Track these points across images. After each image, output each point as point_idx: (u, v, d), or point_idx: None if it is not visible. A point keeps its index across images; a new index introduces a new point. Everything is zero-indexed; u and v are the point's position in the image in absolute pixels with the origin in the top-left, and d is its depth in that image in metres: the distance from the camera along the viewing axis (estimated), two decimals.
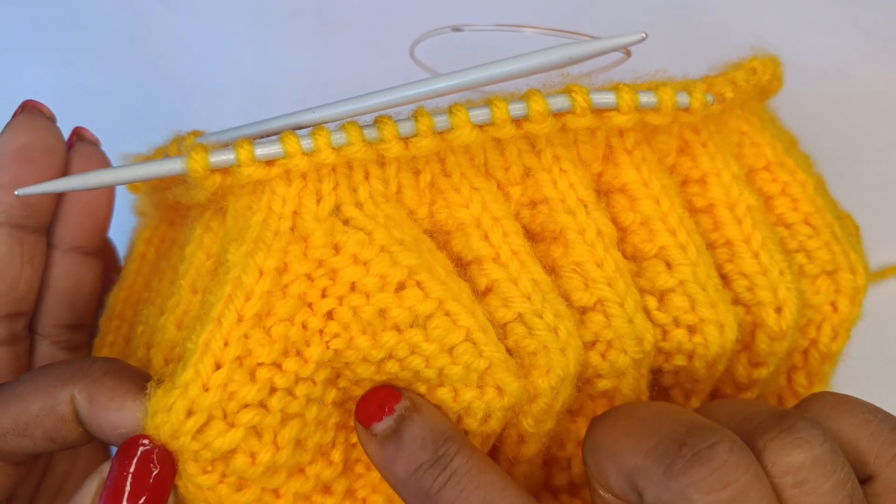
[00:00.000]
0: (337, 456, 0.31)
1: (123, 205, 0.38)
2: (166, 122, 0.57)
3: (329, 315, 0.29)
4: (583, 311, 0.32)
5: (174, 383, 0.28)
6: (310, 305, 0.29)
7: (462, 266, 0.31)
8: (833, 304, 0.35)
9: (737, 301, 0.34)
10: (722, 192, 0.34)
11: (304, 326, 0.29)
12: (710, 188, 0.34)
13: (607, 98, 0.31)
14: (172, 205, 0.35)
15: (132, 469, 0.27)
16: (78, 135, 0.35)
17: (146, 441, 0.27)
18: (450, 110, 0.30)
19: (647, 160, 0.33)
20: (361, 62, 0.55)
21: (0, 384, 0.29)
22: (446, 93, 0.29)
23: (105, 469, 0.27)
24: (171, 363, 0.30)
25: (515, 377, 0.30)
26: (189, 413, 0.27)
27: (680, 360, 0.33)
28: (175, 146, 0.33)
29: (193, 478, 0.28)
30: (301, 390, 0.29)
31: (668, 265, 0.33)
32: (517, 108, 0.30)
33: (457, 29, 0.38)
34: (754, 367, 0.34)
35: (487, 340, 0.29)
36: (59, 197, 0.34)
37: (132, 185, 0.37)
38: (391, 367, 0.30)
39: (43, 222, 0.33)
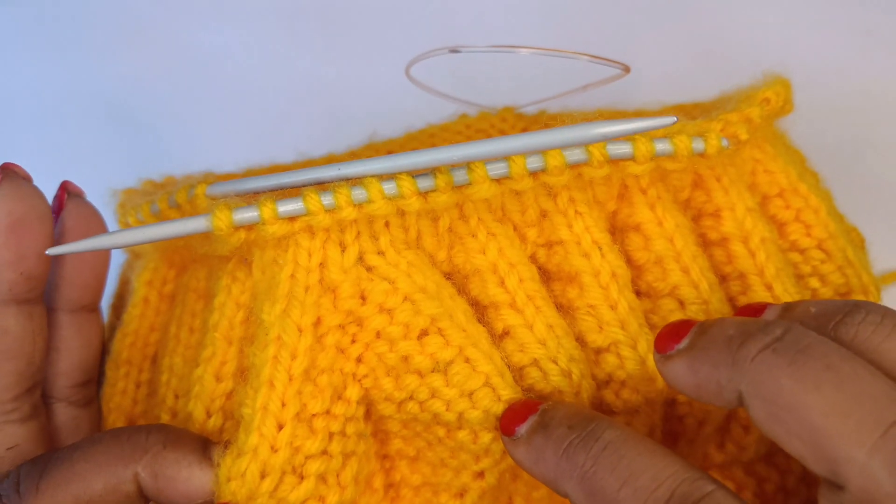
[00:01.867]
0: (378, 482, 0.33)
1: None
2: (166, 122, 0.57)
3: (359, 359, 0.31)
4: (597, 351, 0.33)
5: (241, 449, 0.29)
6: (343, 351, 0.31)
7: (480, 309, 0.32)
8: None
9: None
10: (735, 225, 0.35)
11: (341, 371, 0.31)
12: (724, 221, 0.35)
13: (623, 148, 0.31)
14: (171, 245, 0.36)
15: None
16: (67, 191, 0.34)
17: None
18: (468, 166, 0.30)
19: (662, 199, 0.34)
20: (361, 64, 0.55)
21: (52, 460, 0.29)
22: (472, 160, 0.29)
23: None
24: (213, 415, 0.32)
25: None
26: (263, 475, 0.29)
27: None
28: (184, 193, 0.33)
29: None
30: (351, 429, 0.31)
31: (681, 303, 0.33)
32: (535, 161, 0.30)
33: (454, 51, 0.38)
34: None
35: (505, 384, 0.31)
36: (59, 260, 0.33)
37: (124, 224, 0.37)
38: (412, 407, 0.31)
39: (42, 290, 0.32)
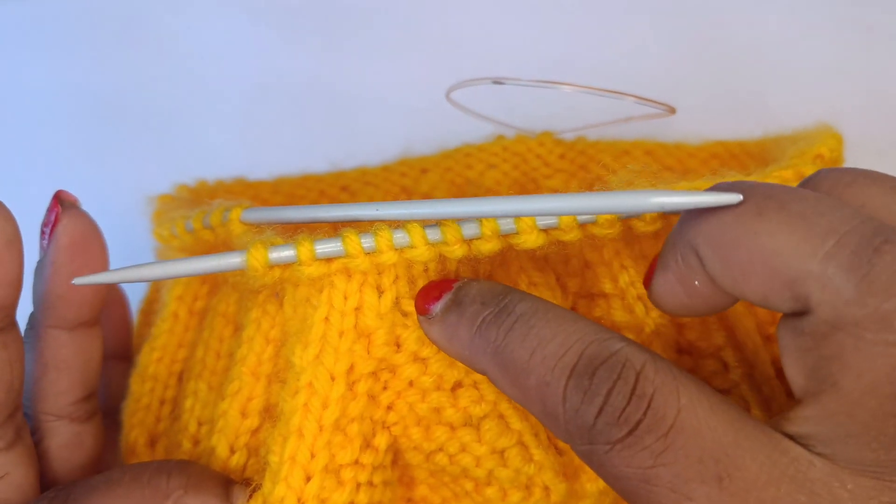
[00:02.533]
0: None
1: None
2: (166, 122, 0.56)
3: (389, 406, 0.30)
4: None
5: (267, 499, 0.28)
6: (373, 398, 0.30)
7: None
8: None
9: (789, 395, 0.33)
10: None
11: (371, 419, 0.30)
12: None
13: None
14: None
15: None
16: (61, 202, 0.32)
17: None
18: (516, 218, 0.29)
19: None
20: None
21: (70, 500, 0.28)
22: (521, 215, 0.28)
23: None
24: (236, 451, 0.31)
25: (563, 479, 0.30)
26: None
27: None
28: (218, 216, 0.32)
29: None
30: (378, 478, 0.30)
31: (725, 365, 0.32)
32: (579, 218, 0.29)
33: (497, 82, 0.37)
34: None
35: (538, 444, 0.29)
36: (55, 278, 0.32)
37: (159, 236, 0.36)
38: (440, 459, 0.30)
39: (13, 316, 0.30)
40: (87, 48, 0.54)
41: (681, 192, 0.24)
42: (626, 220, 0.30)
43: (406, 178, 0.49)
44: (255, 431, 0.31)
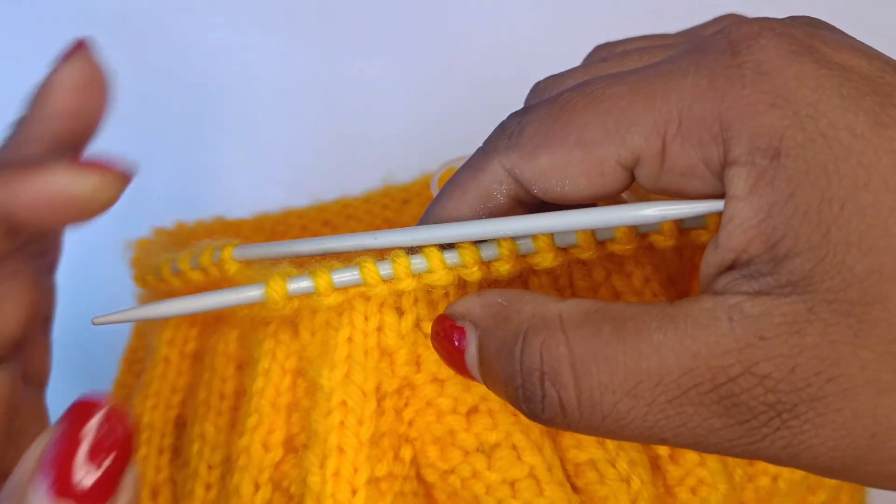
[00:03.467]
0: None
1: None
2: (165, 121, 0.57)
3: (410, 423, 0.30)
4: (672, 457, 0.31)
5: None
6: (398, 413, 0.30)
7: None
8: None
9: None
10: None
11: (397, 433, 0.30)
12: None
13: (696, 220, 0.30)
14: None
15: None
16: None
17: None
18: (534, 238, 0.28)
19: None
20: (363, 62, 0.54)
21: None
22: (536, 233, 0.28)
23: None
24: (261, 487, 0.30)
25: None
26: None
27: (764, 481, 0.32)
28: (208, 256, 0.32)
29: None
30: (408, 488, 0.30)
31: None
32: (603, 232, 0.29)
33: None
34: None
35: (551, 479, 0.29)
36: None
37: (141, 281, 0.36)
38: (453, 481, 0.30)
39: None
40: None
41: (677, 202, 0.25)
42: (644, 236, 0.29)
43: (388, 210, 0.49)
44: (279, 464, 0.30)
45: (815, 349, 0.21)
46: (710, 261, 0.24)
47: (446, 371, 0.29)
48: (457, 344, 0.27)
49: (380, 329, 0.29)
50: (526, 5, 0.57)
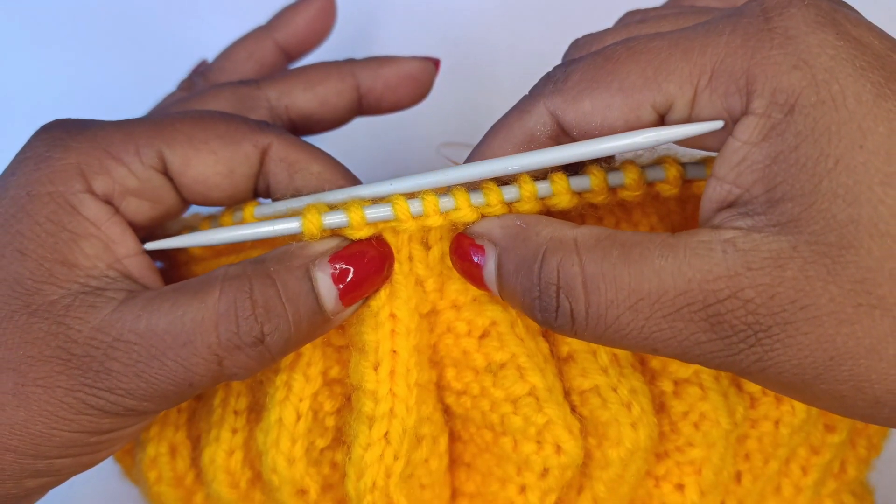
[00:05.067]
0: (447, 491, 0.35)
1: None
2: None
3: (435, 346, 0.32)
4: (678, 382, 0.33)
5: (372, 417, 0.30)
6: (429, 334, 0.32)
7: (549, 331, 0.33)
8: None
9: None
10: None
11: (428, 354, 0.32)
12: None
13: (698, 171, 0.32)
14: None
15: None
16: None
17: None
18: (551, 178, 0.31)
19: None
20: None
21: None
22: (539, 166, 0.30)
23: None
24: (302, 416, 0.32)
25: (575, 438, 0.31)
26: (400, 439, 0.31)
27: (766, 426, 0.34)
28: (229, 217, 0.34)
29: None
30: (439, 405, 0.33)
31: None
32: (614, 178, 0.31)
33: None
34: (829, 431, 0.35)
35: (550, 399, 0.31)
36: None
37: None
38: (465, 401, 0.32)
39: None
40: (86, 46, 0.55)
41: (670, 126, 0.28)
42: (651, 184, 0.32)
43: None
44: (316, 395, 0.32)
45: (792, 281, 0.25)
46: (713, 196, 0.27)
47: (464, 297, 0.32)
48: (476, 260, 0.30)
49: (411, 259, 0.31)
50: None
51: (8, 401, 0.29)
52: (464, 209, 0.30)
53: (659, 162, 0.32)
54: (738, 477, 0.36)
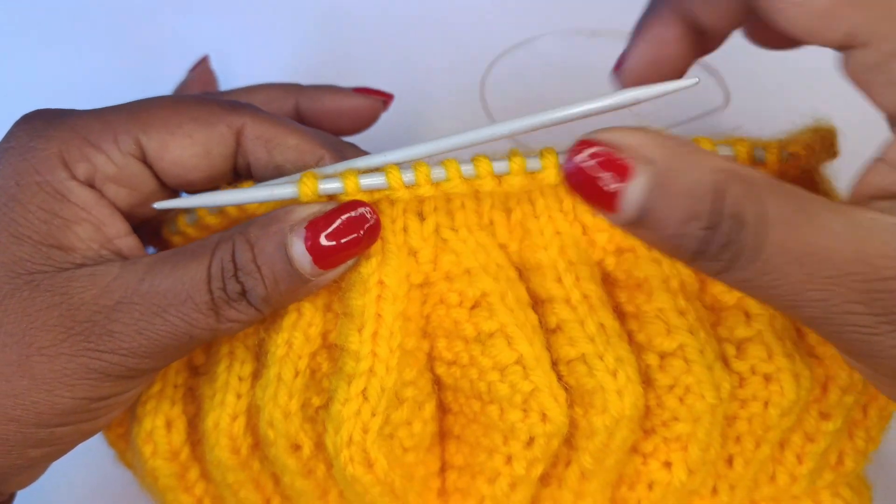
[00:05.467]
0: (435, 464, 0.36)
1: None
2: None
3: (427, 317, 0.33)
4: (663, 355, 0.33)
5: (351, 375, 0.31)
6: (421, 306, 0.33)
7: (538, 303, 0.33)
8: None
9: (810, 354, 0.34)
10: None
11: (419, 325, 0.33)
12: None
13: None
14: None
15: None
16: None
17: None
18: (540, 153, 0.32)
19: None
20: (363, 58, 0.57)
21: None
22: (525, 131, 0.31)
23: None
24: (300, 373, 0.33)
25: (561, 406, 0.31)
26: (378, 396, 0.31)
27: (755, 407, 0.33)
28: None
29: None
30: (427, 373, 0.34)
31: (747, 315, 0.34)
32: None
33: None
34: (824, 418, 0.35)
35: (537, 367, 0.31)
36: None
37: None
38: (455, 371, 0.33)
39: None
40: (86, 45, 0.56)
41: (650, 85, 0.29)
42: None
43: None
44: (314, 354, 0.33)
45: None
46: (876, 182, 0.27)
47: (456, 269, 0.33)
48: (618, 179, 0.27)
49: (405, 230, 0.32)
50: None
51: (12, 371, 0.30)
52: (454, 180, 0.31)
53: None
54: (729, 461, 0.36)
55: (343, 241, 0.30)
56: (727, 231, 0.26)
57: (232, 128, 0.33)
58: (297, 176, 0.32)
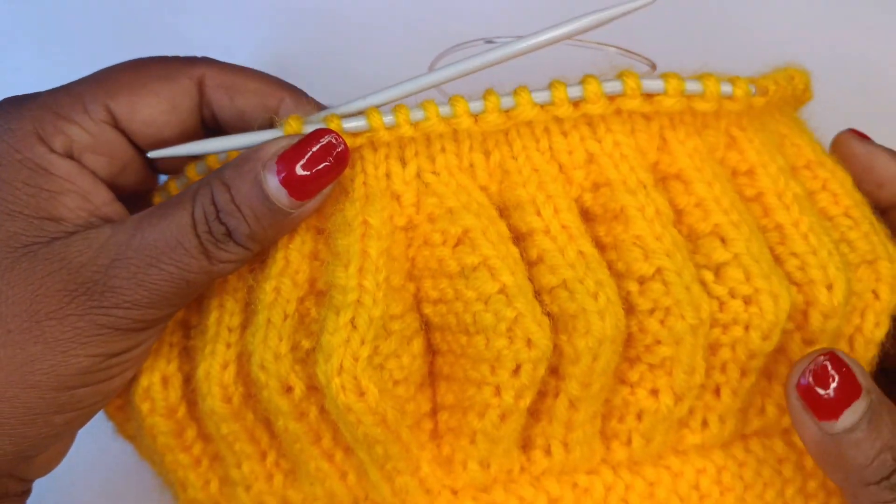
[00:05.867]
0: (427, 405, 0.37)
1: None
2: None
3: (412, 259, 0.34)
4: (642, 280, 0.34)
5: (339, 307, 0.32)
6: (407, 248, 0.34)
7: (520, 238, 0.35)
8: (874, 292, 0.37)
9: (790, 281, 0.35)
10: (770, 181, 0.37)
11: (405, 266, 0.35)
12: (758, 178, 0.37)
13: (656, 84, 0.34)
14: None
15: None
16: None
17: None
18: (515, 91, 0.33)
19: (699, 150, 0.36)
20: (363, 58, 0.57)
21: None
22: (488, 65, 0.33)
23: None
24: (289, 317, 0.34)
25: (544, 330, 0.32)
26: (366, 325, 0.32)
27: (737, 331, 0.34)
28: (214, 158, 0.36)
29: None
30: (415, 313, 0.35)
31: (723, 240, 0.35)
32: (575, 91, 0.34)
33: (489, 41, 0.38)
34: (808, 345, 0.36)
35: (520, 295, 0.32)
36: None
37: None
38: (441, 308, 0.34)
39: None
40: (85, 45, 0.57)
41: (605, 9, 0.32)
42: (613, 99, 0.34)
43: None
44: (303, 299, 0.34)
45: None
46: None
47: (439, 210, 0.34)
48: (833, 388, 0.33)
49: (388, 176, 0.34)
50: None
51: (25, 339, 0.32)
52: (432, 119, 0.33)
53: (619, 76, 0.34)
54: (716, 391, 0.36)
55: (315, 169, 0.32)
56: None
57: (193, 79, 0.35)
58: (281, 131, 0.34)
